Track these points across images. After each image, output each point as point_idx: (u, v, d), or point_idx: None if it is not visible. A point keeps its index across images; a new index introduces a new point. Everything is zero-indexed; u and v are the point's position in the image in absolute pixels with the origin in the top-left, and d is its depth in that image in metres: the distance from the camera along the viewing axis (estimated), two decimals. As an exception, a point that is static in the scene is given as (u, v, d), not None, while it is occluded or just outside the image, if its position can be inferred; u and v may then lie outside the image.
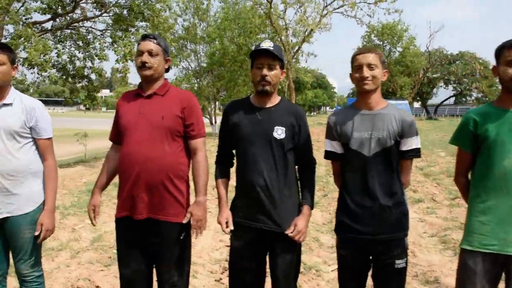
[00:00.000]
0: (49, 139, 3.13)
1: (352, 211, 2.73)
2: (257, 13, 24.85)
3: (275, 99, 2.91)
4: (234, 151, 3.03)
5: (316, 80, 71.71)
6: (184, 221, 2.88)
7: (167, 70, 3.08)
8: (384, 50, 49.08)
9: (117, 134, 3.07)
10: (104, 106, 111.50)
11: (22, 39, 10.89)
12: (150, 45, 2.89)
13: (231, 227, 2.85)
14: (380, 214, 2.68)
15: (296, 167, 2.96)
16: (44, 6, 12.77)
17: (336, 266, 3.07)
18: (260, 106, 2.88)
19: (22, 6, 12.28)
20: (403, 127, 2.70)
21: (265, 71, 2.76)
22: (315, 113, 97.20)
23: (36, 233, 3.01)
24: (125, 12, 13.79)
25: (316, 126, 27.48)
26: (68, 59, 14.35)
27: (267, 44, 2.80)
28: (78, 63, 14.75)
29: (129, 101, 3.01)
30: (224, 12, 26.09)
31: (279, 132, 2.79)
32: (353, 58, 2.75)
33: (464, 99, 62.62)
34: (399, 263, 2.72)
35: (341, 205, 2.83)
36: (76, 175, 11.34)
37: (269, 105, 2.88)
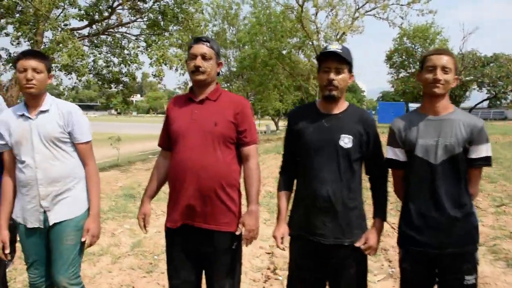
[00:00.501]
0: (88, 143, 3.08)
1: (417, 223, 2.56)
2: (288, 17, 24.76)
3: (343, 105, 2.73)
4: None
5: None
6: (237, 233, 2.77)
7: (217, 74, 2.97)
8: (416, 53, 48.27)
9: (167, 140, 2.97)
10: (135, 110, 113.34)
11: (60, 44, 11.04)
12: (203, 48, 2.78)
13: (286, 244, 2.74)
14: (448, 225, 2.50)
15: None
16: (82, 12, 12.96)
17: (382, 276, 2.90)
18: (326, 112, 2.71)
19: (61, 12, 12.50)
20: (472, 133, 2.51)
21: (332, 75, 2.59)
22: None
23: (83, 239, 2.96)
24: (159, 17, 13.86)
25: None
26: (104, 64, 14.56)
27: (334, 46, 2.62)
28: (114, 69, 14.94)
29: (180, 106, 2.91)
30: (254, 16, 26.11)
31: (346, 141, 2.62)
32: (426, 58, 2.59)
33: (498, 102, 60.89)
34: (469, 279, 2.53)
35: (404, 216, 2.66)
36: (112, 179, 11.42)
37: (336, 111, 2.71)
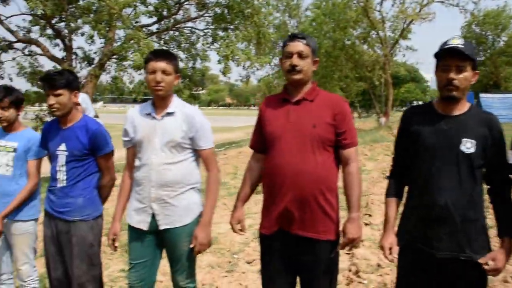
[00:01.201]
0: (211, 149, 3.00)
1: None
2: (352, 7, 24.16)
3: (464, 106, 2.44)
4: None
5: (408, 73, 68.59)
6: (341, 247, 2.64)
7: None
8: (487, 40, 45.83)
9: (260, 142, 2.87)
10: (197, 103, 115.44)
11: (132, 41, 11.32)
12: (300, 46, 2.63)
13: (395, 255, 2.53)
14: None
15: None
16: (152, 9, 13.24)
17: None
18: (445, 114, 2.45)
19: (133, 10, 12.84)
20: None
21: (452, 75, 2.33)
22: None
23: (191, 246, 2.90)
24: (225, 11, 13.89)
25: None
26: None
27: (455, 41, 2.35)
28: (181, 64, 15.18)
29: (275, 107, 2.78)
30: (316, 7, 25.70)
31: (468, 146, 2.36)
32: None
33: None
34: None
35: None
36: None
37: (456, 112, 2.44)
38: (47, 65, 23.72)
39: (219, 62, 12.80)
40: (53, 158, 3.19)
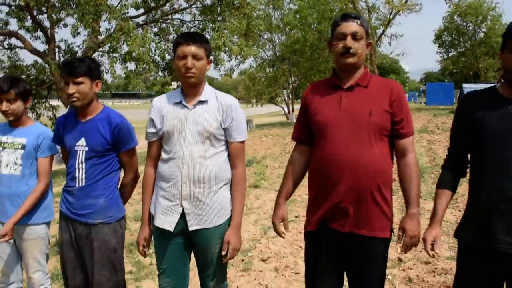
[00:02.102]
0: (243, 142, 2.74)
1: None
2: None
3: None
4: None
5: (388, 65, 69.04)
6: (404, 248, 2.48)
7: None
8: (468, 31, 46.18)
9: (304, 133, 2.65)
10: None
11: (121, 33, 10.97)
12: (353, 26, 2.42)
13: (437, 251, 2.39)
14: None
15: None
16: (139, 0, 12.86)
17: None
18: None
19: (120, 2, 12.44)
20: None
21: None
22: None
23: (223, 252, 2.65)
24: (215, 3, 13.60)
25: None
26: (158, 52, 14.46)
27: None
28: (167, 56, 14.84)
29: (323, 94, 2.54)
30: (302, -1, 25.50)
31: None
32: None
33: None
34: None
35: None
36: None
37: None
38: (28, 59, 23.03)
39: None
40: (70, 155, 2.91)
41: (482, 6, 42.64)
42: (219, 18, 14.10)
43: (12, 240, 3.10)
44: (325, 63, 24.27)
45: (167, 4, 14.23)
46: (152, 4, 13.45)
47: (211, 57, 2.87)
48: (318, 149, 2.52)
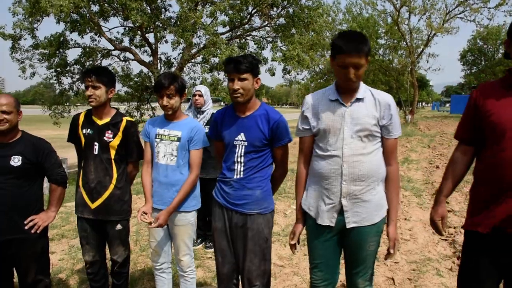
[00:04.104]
0: (397, 138, 2.16)
1: None
2: (384, 21, 22.73)
3: None
4: None
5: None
6: None
7: None
8: (488, 52, 43.44)
9: (471, 133, 2.02)
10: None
11: (213, 47, 10.53)
12: None
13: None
14: None
15: None
16: (227, 19, 12.41)
17: None
18: None
19: (212, 20, 12.03)
20: None
21: None
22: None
23: (391, 250, 2.17)
24: (289, 21, 12.91)
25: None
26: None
27: None
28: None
29: (499, 95, 1.89)
30: (350, 20, 24.35)
31: None
32: None
33: None
34: None
35: None
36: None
37: None
38: (135, 69, 23.40)
39: (284, 61, 11.75)
40: (228, 148, 2.36)
41: (500, 31, 39.95)
42: (291, 33, 13.38)
43: (165, 226, 2.61)
44: (372, 75, 23.10)
45: (248, 24, 13.72)
46: (236, 23, 12.94)
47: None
48: (492, 150, 1.90)
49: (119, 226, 2.70)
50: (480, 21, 24.68)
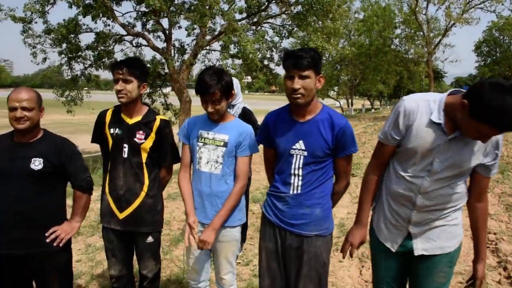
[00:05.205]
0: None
1: None
2: (401, 10, 21.97)
3: None
4: None
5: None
6: None
7: None
8: (504, 43, 42.05)
9: None
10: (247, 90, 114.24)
11: (235, 32, 10.09)
12: None
13: None
14: None
15: None
16: (245, 6, 11.89)
17: None
18: None
19: (230, 6, 11.54)
20: None
21: None
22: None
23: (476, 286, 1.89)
24: (307, 8, 12.37)
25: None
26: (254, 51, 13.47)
27: None
28: (259, 55, 13.80)
29: None
30: (363, 10, 23.61)
31: None
32: None
33: None
34: None
35: None
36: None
37: None
38: (148, 55, 22.93)
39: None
40: (283, 158, 1.98)
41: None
42: (309, 21, 12.85)
43: None
44: (387, 65, 22.47)
45: (264, 11, 13.19)
46: (254, 10, 12.43)
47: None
48: None
49: (150, 239, 2.38)
50: (501, 12, 23.86)
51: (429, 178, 1.71)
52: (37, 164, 2.09)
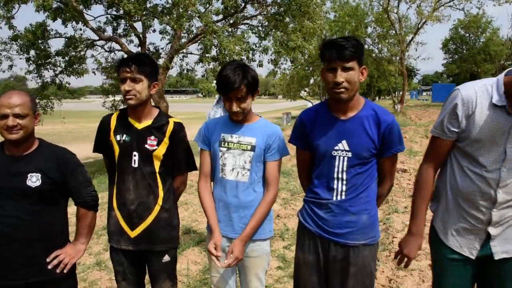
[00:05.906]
0: None
1: None
2: (372, 9, 22.36)
3: None
4: None
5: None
6: None
7: None
8: (470, 40, 43.84)
9: None
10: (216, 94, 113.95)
11: (214, 34, 9.86)
12: None
13: None
14: None
15: None
16: (222, 7, 11.66)
17: None
18: None
19: (208, 8, 11.27)
20: None
21: None
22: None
23: None
24: (284, 9, 12.29)
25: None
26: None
27: None
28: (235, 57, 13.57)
29: None
30: (334, 11, 23.89)
31: None
32: None
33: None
34: None
35: None
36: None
37: None
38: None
39: (288, 53, 11.13)
40: (324, 160, 1.78)
41: (480, 20, 40.31)
42: (285, 22, 12.74)
43: None
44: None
45: (241, 12, 13.01)
46: (232, 11, 12.21)
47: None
48: None
49: (166, 258, 2.12)
50: (470, 10, 24.81)
51: (506, 168, 1.56)
52: (34, 180, 1.81)
